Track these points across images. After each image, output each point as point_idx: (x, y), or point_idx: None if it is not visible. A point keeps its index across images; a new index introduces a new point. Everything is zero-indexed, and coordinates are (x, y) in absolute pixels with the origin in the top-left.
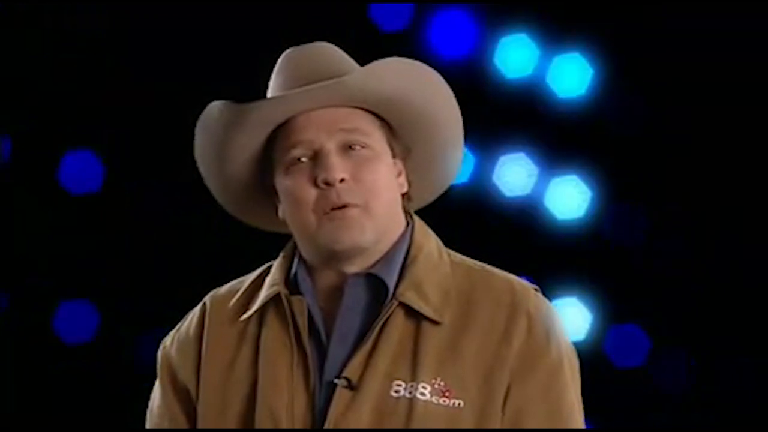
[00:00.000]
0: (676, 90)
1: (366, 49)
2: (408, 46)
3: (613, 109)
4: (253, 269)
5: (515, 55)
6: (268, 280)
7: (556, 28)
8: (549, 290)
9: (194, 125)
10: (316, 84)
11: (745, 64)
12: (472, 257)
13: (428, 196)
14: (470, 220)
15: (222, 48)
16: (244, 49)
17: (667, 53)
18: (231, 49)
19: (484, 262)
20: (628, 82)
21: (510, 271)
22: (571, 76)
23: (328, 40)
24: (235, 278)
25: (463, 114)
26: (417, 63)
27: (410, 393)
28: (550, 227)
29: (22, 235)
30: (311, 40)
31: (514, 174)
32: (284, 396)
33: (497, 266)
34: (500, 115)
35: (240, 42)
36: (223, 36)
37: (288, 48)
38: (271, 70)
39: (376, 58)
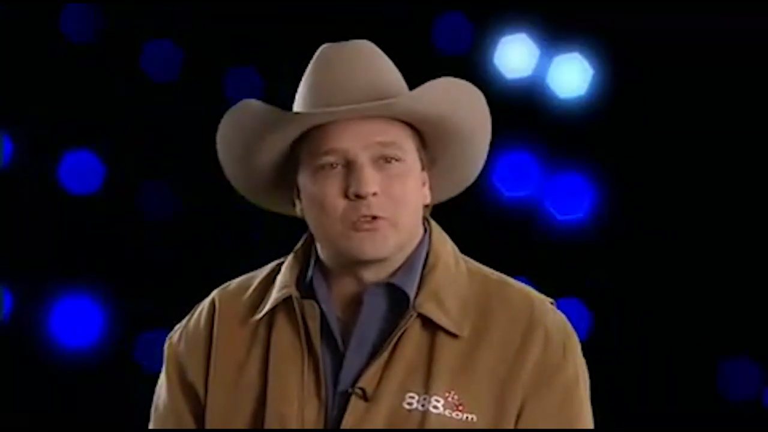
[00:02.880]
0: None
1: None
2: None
3: (611, 108)
4: (256, 267)
5: (515, 55)
6: (279, 280)
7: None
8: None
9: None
10: (363, 104)
11: (742, 62)
12: (473, 257)
13: (447, 196)
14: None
15: (221, 48)
16: (244, 48)
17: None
18: (230, 50)
19: (487, 258)
20: (626, 81)
21: (503, 271)
22: (571, 75)
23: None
24: (238, 276)
25: None
26: (464, 83)
27: (423, 406)
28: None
29: (22, 235)
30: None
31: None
32: (294, 403)
33: (494, 265)
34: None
35: (241, 40)
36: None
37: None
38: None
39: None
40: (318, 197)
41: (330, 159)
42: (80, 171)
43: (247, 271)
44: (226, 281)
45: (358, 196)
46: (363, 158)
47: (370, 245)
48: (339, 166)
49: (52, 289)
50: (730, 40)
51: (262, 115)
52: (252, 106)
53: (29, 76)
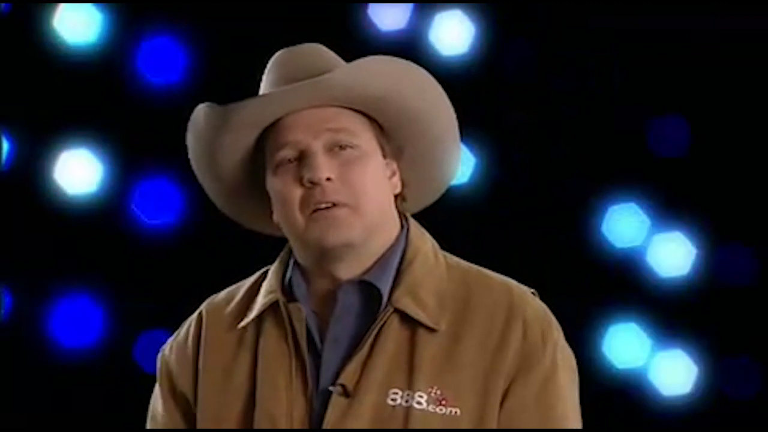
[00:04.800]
0: None
1: (366, 48)
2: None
3: None
4: (254, 271)
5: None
6: (264, 286)
7: None
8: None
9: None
10: (293, 84)
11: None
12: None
13: (427, 196)
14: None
15: (220, 48)
16: (243, 50)
17: None
18: (230, 50)
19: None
20: None
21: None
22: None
23: (328, 40)
24: (236, 279)
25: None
26: (402, 61)
27: (407, 402)
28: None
29: (22, 235)
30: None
31: None
32: (283, 403)
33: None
34: None
35: (239, 43)
36: (221, 36)
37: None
38: (264, 65)
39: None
40: (280, 191)
41: (286, 153)
42: (80, 171)
43: (246, 272)
44: (225, 281)
45: (312, 182)
46: (316, 147)
47: (333, 231)
48: (294, 159)
49: (52, 289)
50: (722, 41)
51: (211, 116)
52: (201, 110)
53: (29, 76)
